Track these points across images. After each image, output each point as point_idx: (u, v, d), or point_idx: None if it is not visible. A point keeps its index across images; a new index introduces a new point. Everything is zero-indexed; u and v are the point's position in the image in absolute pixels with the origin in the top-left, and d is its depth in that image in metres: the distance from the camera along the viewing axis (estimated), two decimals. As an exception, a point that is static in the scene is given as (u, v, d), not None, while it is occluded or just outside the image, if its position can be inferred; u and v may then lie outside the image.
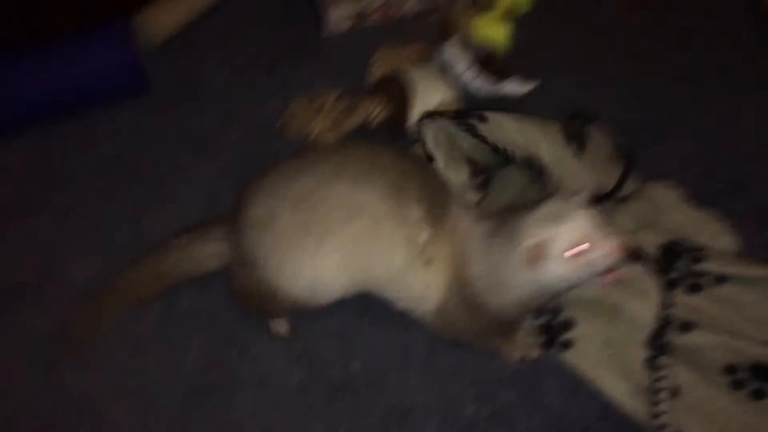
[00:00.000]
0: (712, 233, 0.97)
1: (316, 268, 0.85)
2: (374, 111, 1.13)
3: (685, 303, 0.90)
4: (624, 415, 0.87)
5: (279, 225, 0.85)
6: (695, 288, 0.91)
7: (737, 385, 0.85)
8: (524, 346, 0.92)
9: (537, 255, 0.75)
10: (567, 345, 0.91)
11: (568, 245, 0.74)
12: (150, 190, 1.11)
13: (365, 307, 0.95)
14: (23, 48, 1.13)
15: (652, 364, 0.86)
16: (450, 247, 0.84)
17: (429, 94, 1.13)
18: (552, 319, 0.92)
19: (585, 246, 0.74)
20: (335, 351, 0.96)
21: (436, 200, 0.85)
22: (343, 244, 0.84)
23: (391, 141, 1.14)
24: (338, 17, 1.31)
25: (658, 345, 0.86)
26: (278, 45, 1.31)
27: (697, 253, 0.92)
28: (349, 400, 0.92)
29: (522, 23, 1.30)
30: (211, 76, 1.26)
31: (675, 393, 0.85)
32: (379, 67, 1.20)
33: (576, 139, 0.98)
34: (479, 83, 1.17)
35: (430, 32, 1.27)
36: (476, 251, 0.82)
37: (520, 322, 0.90)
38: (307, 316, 0.95)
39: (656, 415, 0.84)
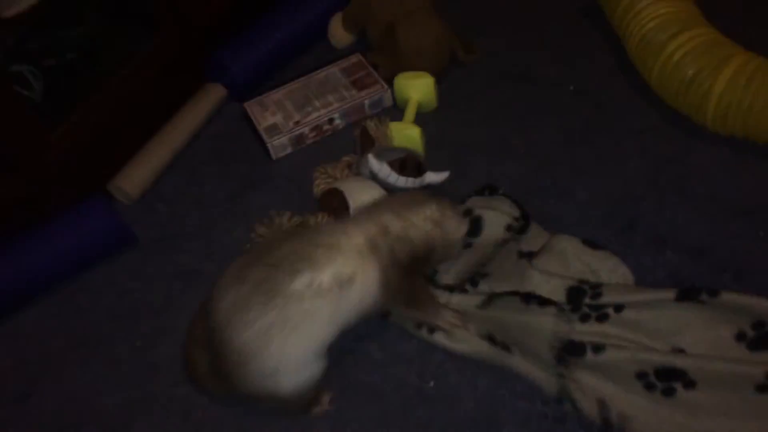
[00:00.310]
0: (610, 268, 1.18)
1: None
2: (322, 222, 1.35)
3: (596, 331, 1.10)
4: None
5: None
6: (602, 318, 1.11)
7: (650, 387, 1.05)
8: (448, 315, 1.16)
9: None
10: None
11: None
12: (154, 323, 1.30)
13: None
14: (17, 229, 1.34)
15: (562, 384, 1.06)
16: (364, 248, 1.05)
17: (362, 200, 1.32)
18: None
19: None
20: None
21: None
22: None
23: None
24: (280, 145, 1.55)
25: (559, 373, 1.06)
26: (235, 178, 1.54)
27: (597, 290, 1.12)
28: None
29: (430, 121, 1.54)
30: (184, 217, 1.48)
31: (602, 404, 1.04)
32: (319, 184, 1.43)
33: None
34: (403, 182, 1.37)
35: (355, 144, 1.50)
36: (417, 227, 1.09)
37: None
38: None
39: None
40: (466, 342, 1.16)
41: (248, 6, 1.75)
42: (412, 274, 1.11)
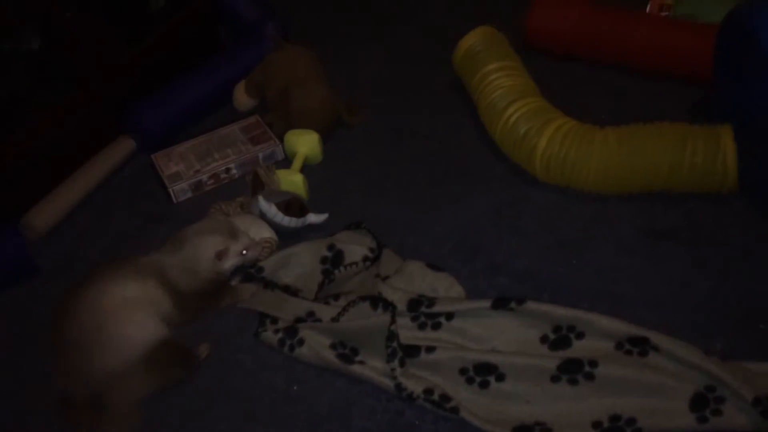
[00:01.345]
0: (446, 286, 1.41)
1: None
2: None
3: (431, 336, 1.33)
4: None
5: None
6: (437, 326, 1.34)
7: (470, 381, 1.26)
8: (244, 290, 1.45)
9: (221, 255, 1.35)
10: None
11: (239, 249, 1.37)
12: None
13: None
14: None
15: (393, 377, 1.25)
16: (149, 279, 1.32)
17: (252, 236, 1.55)
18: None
19: (245, 252, 1.38)
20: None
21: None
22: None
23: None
24: (180, 190, 1.76)
25: (392, 368, 1.26)
26: (140, 217, 1.73)
27: (432, 301, 1.35)
28: None
29: (316, 171, 1.79)
30: (89, 248, 1.65)
31: (429, 392, 1.23)
32: (213, 220, 1.63)
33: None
34: (287, 221, 1.58)
35: (248, 187, 1.72)
36: (172, 267, 1.34)
37: (221, 287, 1.42)
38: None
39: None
40: (316, 357, 1.33)
41: (163, 69, 1.99)
42: (201, 297, 1.38)
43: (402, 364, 1.25)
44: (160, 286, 1.32)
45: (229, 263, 1.38)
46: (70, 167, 1.78)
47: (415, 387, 1.23)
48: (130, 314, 1.28)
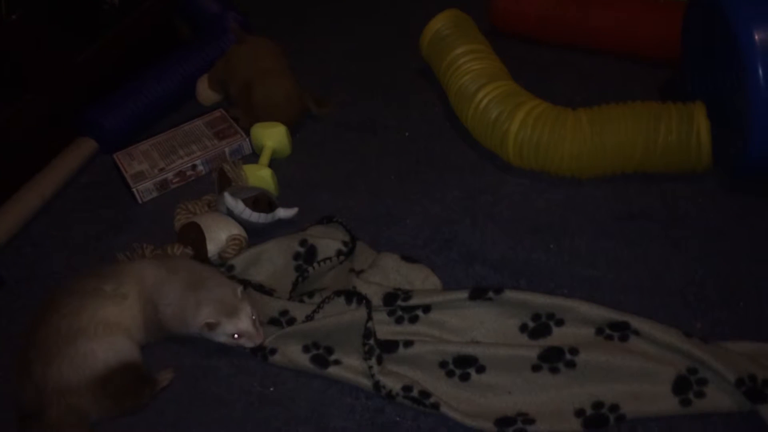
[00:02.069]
0: (422, 278, 1.38)
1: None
2: (179, 252, 1.48)
3: (408, 330, 1.29)
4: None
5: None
6: (414, 319, 1.31)
7: (450, 374, 1.23)
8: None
9: (210, 327, 1.25)
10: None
11: (230, 331, 1.25)
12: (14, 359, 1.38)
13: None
14: None
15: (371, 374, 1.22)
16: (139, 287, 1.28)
17: (217, 233, 1.48)
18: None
19: (237, 336, 1.25)
20: None
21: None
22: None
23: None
24: (145, 189, 1.70)
25: (369, 366, 1.22)
26: (103, 222, 1.66)
27: (407, 294, 1.31)
28: None
29: (284, 165, 1.74)
30: (50, 258, 1.58)
31: (408, 389, 1.20)
32: (179, 219, 1.57)
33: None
34: (256, 217, 1.54)
35: (214, 184, 1.67)
36: (167, 294, 1.27)
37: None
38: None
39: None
40: (289, 361, 1.29)
41: (121, 67, 1.93)
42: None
43: (380, 361, 1.22)
44: (144, 313, 1.28)
45: (216, 338, 1.28)
46: (25, 175, 1.70)
47: (393, 384, 1.20)
48: (106, 333, 1.23)
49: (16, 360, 1.24)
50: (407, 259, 1.42)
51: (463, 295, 1.29)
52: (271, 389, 1.29)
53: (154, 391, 1.26)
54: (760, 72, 1.34)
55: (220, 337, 1.27)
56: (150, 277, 1.30)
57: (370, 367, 1.21)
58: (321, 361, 1.27)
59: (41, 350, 1.20)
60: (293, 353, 1.29)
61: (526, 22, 2.00)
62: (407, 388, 1.19)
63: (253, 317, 1.27)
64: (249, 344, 1.27)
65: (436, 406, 1.17)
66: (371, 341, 1.22)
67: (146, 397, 1.25)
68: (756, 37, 1.34)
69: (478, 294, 1.29)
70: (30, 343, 1.22)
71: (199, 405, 1.28)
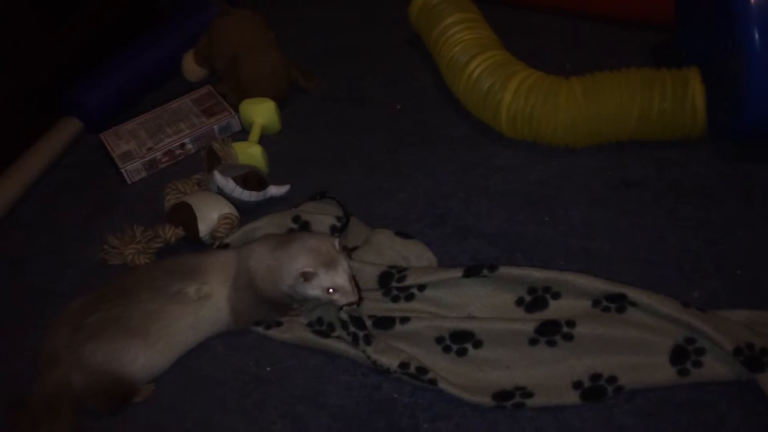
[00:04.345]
0: (417, 254, 1.37)
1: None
2: (170, 233, 1.47)
3: (405, 308, 1.28)
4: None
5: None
6: (410, 297, 1.30)
7: (446, 349, 1.23)
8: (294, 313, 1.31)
9: (306, 277, 1.18)
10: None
11: (326, 284, 1.18)
12: (1, 345, 1.37)
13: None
14: None
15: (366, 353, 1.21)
16: (226, 267, 1.25)
17: (208, 212, 1.46)
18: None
19: (332, 291, 1.20)
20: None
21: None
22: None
23: (194, 249, 1.47)
24: (133, 169, 1.67)
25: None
26: (90, 204, 1.63)
27: (402, 273, 1.30)
28: None
29: (274, 141, 1.71)
30: (37, 242, 1.56)
31: (405, 365, 1.19)
32: (169, 199, 1.55)
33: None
34: (247, 195, 1.52)
35: (204, 164, 1.64)
36: (259, 252, 1.24)
37: (288, 305, 1.30)
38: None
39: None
40: (291, 332, 1.29)
41: (102, 43, 1.87)
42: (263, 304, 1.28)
43: (368, 342, 1.20)
44: (231, 301, 1.25)
45: (310, 292, 1.21)
46: (8, 158, 1.67)
47: (390, 362, 1.19)
48: (161, 349, 1.23)
49: (65, 310, 1.25)
50: (401, 234, 1.40)
51: (458, 273, 1.27)
52: (268, 369, 1.28)
53: (128, 402, 1.23)
54: (756, 36, 1.32)
55: (315, 290, 1.20)
56: (233, 257, 1.27)
57: (363, 351, 1.20)
58: (322, 334, 1.27)
59: (100, 323, 1.19)
60: (297, 327, 1.28)
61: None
62: (404, 365, 1.18)
63: (349, 272, 1.22)
64: (343, 301, 1.21)
65: (433, 381, 1.16)
66: (351, 329, 1.21)
67: (116, 408, 1.23)
68: (752, 0, 1.31)
69: (472, 272, 1.27)
70: (92, 308, 1.21)
71: (195, 386, 1.26)
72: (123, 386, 1.21)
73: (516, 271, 1.26)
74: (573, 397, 1.15)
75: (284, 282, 1.21)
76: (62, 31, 1.80)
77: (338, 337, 1.26)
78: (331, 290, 1.20)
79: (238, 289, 1.25)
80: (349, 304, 1.21)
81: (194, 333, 1.27)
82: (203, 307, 1.24)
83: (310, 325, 1.29)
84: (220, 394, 1.25)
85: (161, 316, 1.22)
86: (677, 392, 1.15)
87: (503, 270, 1.26)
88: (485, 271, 1.26)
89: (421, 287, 1.29)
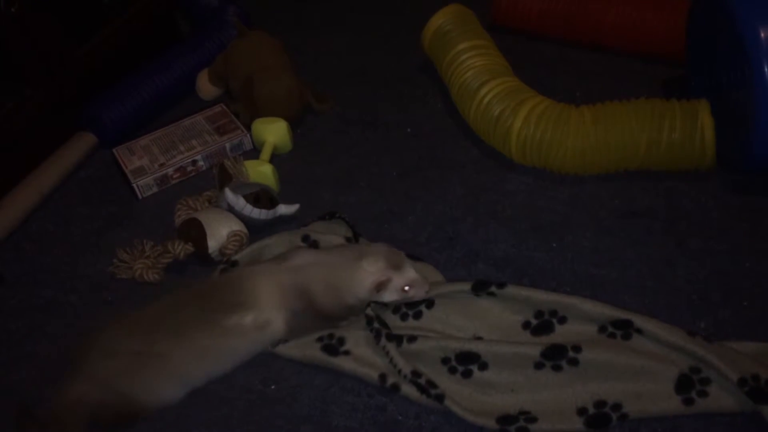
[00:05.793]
0: (427, 275, 1.37)
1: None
2: (179, 248, 1.48)
3: (412, 326, 1.29)
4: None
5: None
6: (417, 315, 1.30)
7: (452, 371, 1.23)
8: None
9: (381, 286, 1.23)
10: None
11: (401, 284, 1.24)
12: (14, 352, 1.38)
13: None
14: None
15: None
16: (280, 290, 1.24)
17: (218, 229, 1.47)
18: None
19: (408, 288, 1.25)
20: None
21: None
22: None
23: (202, 266, 1.49)
24: (145, 185, 1.69)
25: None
26: (102, 218, 1.65)
27: (410, 291, 1.32)
28: None
29: (286, 161, 1.73)
30: (49, 254, 1.57)
31: (417, 374, 1.18)
32: (180, 215, 1.56)
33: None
34: (257, 213, 1.53)
35: (215, 180, 1.66)
36: (316, 279, 1.25)
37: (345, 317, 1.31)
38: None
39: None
40: (299, 349, 1.29)
41: (121, 61, 1.91)
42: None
43: (390, 339, 1.22)
44: (288, 323, 1.25)
45: (385, 299, 1.26)
46: (24, 170, 1.69)
47: (405, 367, 1.19)
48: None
49: (114, 319, 1.24)
50: (410, 257, 1.40)
51: (466, 287, 1.28)
52: (273, 387, 1.28)
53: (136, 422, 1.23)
54: (766, 69, 1.33)
55: (391, 295, 1.25)
56: (280, 278, 1.26)
57: (383, 347, 1.21)
58: (331, 350, 1.27)
59: (142, 358, 1.19)
60: (305, 342, 1.29)
61: (527, 17, 1.99)
62: (416, 374, 1.19)
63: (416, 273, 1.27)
64: (420, 294, 1.26)
65: (440, 398, 1.16)
66: (375, 325, 1.23)
67: (122, 428, 1.23)
68: (762, 34, 1.33)
69: (480, 287, 1.28)
70: (138, 338, 1.20)
71: (200, 403, 1.26)
72: (139, 412, 1.21)
73: (523, 291, 1.27)
74: (577, 424, 1.15)
75: (356, 296, 1.25)
76: (87, 48, 1.84)
77: (346, 353, 1.26)
78: (406, 288, 1.25)
79: (295, 311, 1.26)
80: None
81: (243, 359, 1.28)
82: (263, 335, 1.25)
83: (320, 339, 1.29)
84: (225, 411, 1.25)
85: (217, 353, 1.22)
86: (682, 422, 1.15)
87: (511, 289, 1.27)
88: (493, 288, 1.27)
89: (430, 304, 1.30)
